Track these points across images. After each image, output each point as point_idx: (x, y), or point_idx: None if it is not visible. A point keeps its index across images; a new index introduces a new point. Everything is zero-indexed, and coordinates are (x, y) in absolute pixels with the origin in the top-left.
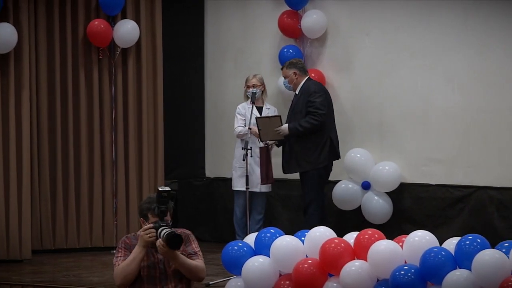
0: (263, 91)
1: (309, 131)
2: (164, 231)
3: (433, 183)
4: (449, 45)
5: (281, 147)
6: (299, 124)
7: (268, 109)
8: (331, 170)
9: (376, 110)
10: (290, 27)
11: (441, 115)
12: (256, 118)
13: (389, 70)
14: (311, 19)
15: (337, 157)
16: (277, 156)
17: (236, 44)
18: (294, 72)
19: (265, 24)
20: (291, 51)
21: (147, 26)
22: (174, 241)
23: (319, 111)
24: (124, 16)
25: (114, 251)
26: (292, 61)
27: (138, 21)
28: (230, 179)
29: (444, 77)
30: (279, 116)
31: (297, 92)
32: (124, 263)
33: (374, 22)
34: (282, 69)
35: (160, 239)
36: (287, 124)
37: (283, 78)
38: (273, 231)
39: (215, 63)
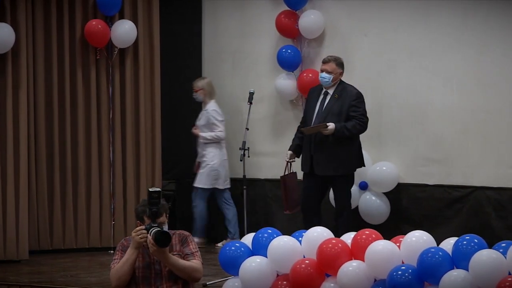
0: (206, 94)
1: (353, 136)
2: (153, 230)
3: (431, 183)
4: (448, 45)
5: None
6: (345, 127)
7: (206, 110)
8: None
9: (374, 111)
10: (288, 27)
11: (439, 115)
12: (302, 130)
13: (388, 70)
14: (309, 19)
15: (363, 164)
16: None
17: (234, 44)
18: (341, 72)
19: (262, 24)
20: (289, 51)
21: (145, 26)
22: (162, 238)
23: (365, 118)
24: (121, 17)
25: (112, 251)
26: (342, 60)
27: (135, 21)
28: None
29: (442, 78)
30: (324, 124)
31: (330, 91)
32: (118, 265)
33: (372, 22)
34: (327, 62)
35: (149, 238)
36: (333, 124)
37: (322, 72)
38: (270, 231)
39: (212, 63)
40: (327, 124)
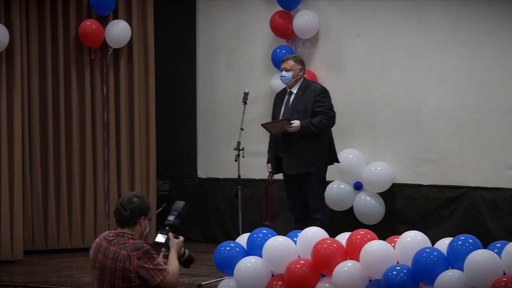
0: None
1: (321, 132)
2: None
3: (425, 183)
4: (441, 45)
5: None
6: (311, 123)
7: None
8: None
9: (368, 111)
10: (282, 28)
11: (433, 115)
12: (263, 125)
13: (381, 70)
14: (303, 20)
15: (337, 160)
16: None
17: (228, 44)
18: (301, 69)
19: (257, 24)
20: (283, 51)
21: (139, 26)
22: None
23: (331, 112)
24: (115, 17)
25: None
26: (301, 57)
27: (130, 22)
28: (222, 180)
29: (436, 77)
30: (286, 119)
31: (294, 90)
32: (176, 264)
33: (365, 23)
34: (285, 60)
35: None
36: (298, 121)
37: (282, 71)
38: (265, 231)
39: (207, 63)
40: (292, 121)
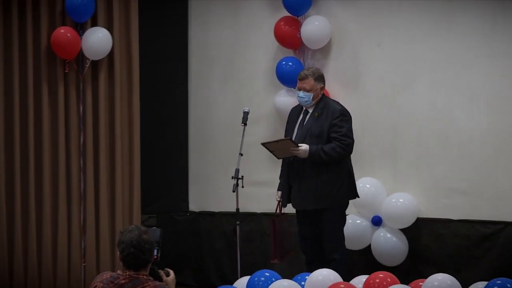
0: None
1: (334, 161)
2: None
3: (455, 218)
4: (473, 57)
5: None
6: (323, 149)
7: None
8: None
9: (388, 133)
10: (289, 36)
11: (464, 139)
12: (263, 144)
13: (404, 86)
14: (313, 27)
15: (356, 195)
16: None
17: (225, 55)
18: (322, 87)
19: (259, 32)
20: (290, 63)
21: (122, 35)
22: None
23: (347, 139)
24: (94, 24)
25: None
26: (320, 72)
27: (110, 29)
28: (217, 214)
29: (467, 94)
30: (289, 138)
31: (310, 110)
32: None
33: (386, 30)
34: (304, 78)
35: None
36: (307, 146)
37: (300, 90)
38: (267, 274)
39: (200, 78)
40: (299, 144)
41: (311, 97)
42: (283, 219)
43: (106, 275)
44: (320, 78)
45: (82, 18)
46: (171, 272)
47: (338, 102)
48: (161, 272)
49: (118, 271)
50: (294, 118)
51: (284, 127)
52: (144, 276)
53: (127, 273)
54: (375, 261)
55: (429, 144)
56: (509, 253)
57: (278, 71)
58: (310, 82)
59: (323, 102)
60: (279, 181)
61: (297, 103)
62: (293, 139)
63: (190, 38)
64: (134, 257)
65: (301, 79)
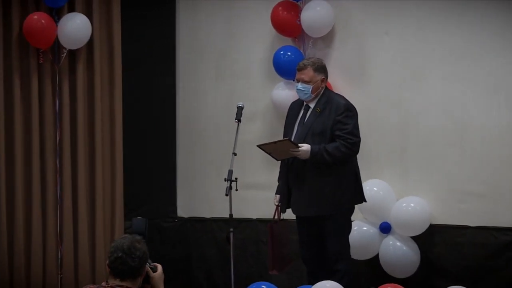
0: None
1: (338, 162)
2: None
3: (472, 224)
4: (490, 47)
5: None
6: (326, 149)
7: None
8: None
9: (397, 130)
10: (287, 23)
11: (481, 137)
12: (259, 146)
13: (414, 79)
14: (314, 13)
15: (363, 199)
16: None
17: (217, 45)
18: (323, 79)
19: (255, 19)
20: (289, 53)
21: (102, 21)
22: None
23: (353, 138)
24: (71, 9)
25: None
26: (321, 62)
27: (89, 15)
28: (209, 220)
29: (485, 88)
30: (287, 139)
31: (311, 105)
32: None
33: (394, 18)
34: (302, 68)
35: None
36: (308, 146)
37: (298, 82)
38: (264, 286)
39: (189, 70)
40: (300, 145)
41: (310, 89)
42: (281, 225)
43: (90, 287)
44: (320, 69)
45: (58, 3)
46: (159, 267)
47: (342, 96)
48: (147, 268)
49: (103, 283)
50: (294, 114)
51: (283, 124)
52: None
53: (110, 284)
54: (384, 272)
55: (442, 142)
56: None
57: (275, 61)
58: (309, 73)
59: (326, 96)
60: (277, 183)
61: (297, 97)
62: (293, 137)
63: (178, 26)
64: (122, 262)
65: (300, 69)
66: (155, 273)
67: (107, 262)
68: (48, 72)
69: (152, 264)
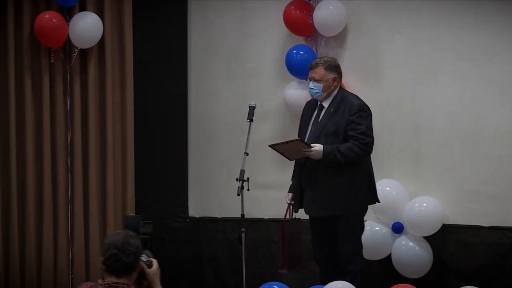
0: None
1: (351, 162)
2: None
3: (485, 224)
4: (506, 44)
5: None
6: (338, 150)
7: None
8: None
9: (410, 130)
10: (300, 22)
11: (494, 137)
12: (271, 146)
13: (427, 77)
14: (327, 12)
15: (376, 199)
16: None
17: (229, 44)
18: (335, 78)
19: (267, 18)
20: (301, 52)
21: (113, 20)
22: None
23: (366, 138)
24: (83, 8)
25: None
26: (333, 61)
27: (101, 15)
28: (220, 220)
29: (498, 87)
30: (299, 139)
31: (325, 104)
32: None
33: (407, 16)
34: (314, 67)
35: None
36: (321, 146)
37: (310, 81)
38: (276, 287)
39: (201, 70)
40: (312, 145)
41: (321, 88)
42: (293, 225)
43: (86, 285)
44: (332, 68)
45: (69, 2)
46: (154, 262)
47: (357, 96)
48: (142, 264)
49: (99, 280)
50: (309, 113)
51: (295, 124)
52: (124, 285)
53: (106, 282)
54: (396, 273)
55: (455, 142)
56: None
57: (288, 61)
58: (320, 71)
59: (340, 96)
60: (288, 183)
61: (310, 97)
62: (307, 136)
63: (190, 26)
64: (117, 259)
65: (311, 68)
66: (150, 269)
67: (102, 259)
68: (60, 71)
69: (147, 259)
